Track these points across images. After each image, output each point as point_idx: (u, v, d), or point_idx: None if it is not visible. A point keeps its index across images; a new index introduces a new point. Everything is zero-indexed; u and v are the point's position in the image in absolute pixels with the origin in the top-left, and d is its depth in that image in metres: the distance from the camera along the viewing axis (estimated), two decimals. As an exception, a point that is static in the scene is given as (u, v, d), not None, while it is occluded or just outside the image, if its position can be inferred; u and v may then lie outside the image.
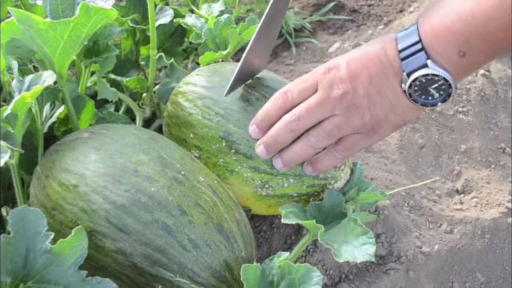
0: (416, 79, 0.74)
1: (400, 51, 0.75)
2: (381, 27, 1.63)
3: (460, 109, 1.37)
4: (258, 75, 0.96)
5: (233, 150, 0.88)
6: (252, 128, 0.86)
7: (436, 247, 1.04)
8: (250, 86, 0.93)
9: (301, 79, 0.84)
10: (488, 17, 0.68)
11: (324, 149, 0.86)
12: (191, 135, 0.92)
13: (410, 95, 0.76)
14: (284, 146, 0.84)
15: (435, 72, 0.73)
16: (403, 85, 0.76)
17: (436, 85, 0.75)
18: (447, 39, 0.72)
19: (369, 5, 1.75)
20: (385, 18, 1.69)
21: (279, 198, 0.90)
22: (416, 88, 0.75)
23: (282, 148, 0.85)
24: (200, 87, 0.94)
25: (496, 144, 1.35)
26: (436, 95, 0.76)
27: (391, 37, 0.77)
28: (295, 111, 0.82)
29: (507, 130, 1.38)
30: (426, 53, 0.73)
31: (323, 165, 0.86)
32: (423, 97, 0.76)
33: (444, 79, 0.74)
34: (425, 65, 0.73)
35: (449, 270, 1.04)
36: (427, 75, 0.74)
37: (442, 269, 1.04)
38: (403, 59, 0.75)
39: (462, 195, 1.20)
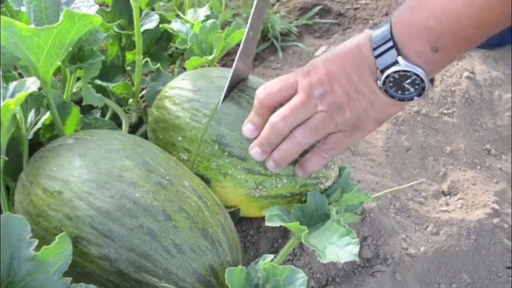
0: (389, 75, 0.77)
1: (374, 49, 0.77)
2: (367, 30, 1.64)
3: (445, 111, 1.38)
4: (245, 80, 0.97)
5: (226, 153, 0.89)
6: (247, 127, 0.87)
7: (422, 248, 1.05)
8: (239, 89, 0.94)
9: (282, 77, 0.87)
10: (459, 14, 0.70)
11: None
12: (180, 138, 0.92)
13: (386, 91, 0.79)
14: (276, 146, 0.86)
15: (406, 68, 0.75)
16: (378, 81, 0.78)
17: (409, 80, 0.77)
18: (420, 35, 0.74)
19: (355, 9, 1.76)
20: (370, 21, 1.70)
21: (272, 199, 0.90)
22: (391, 84, 0.78)
23: (274, 148, 0.86)
24: (187, 91, 0.95)
25: (481, 145, 1.36)
26: (412, 89, 0.78)
27: (366, 35, 0.79)
28: (280, 111, 0.84)
29: (492, 131, 1.39)
30: (398, 49, 0.75)
31: (311, 166, 0.88)
32: (399, 92, 0.78)
33: (416, 74, 0.76)
34: (397, 62, 0.76)
35: (436, 272, 1.05)
36: (399, 71, 0.76)
37: (429, 271, 1.04)
38: (377, 57, 0.77)
39: (448, 197, 1.21)
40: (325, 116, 0.82)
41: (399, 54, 0.76)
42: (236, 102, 0.92)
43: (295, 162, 0.89)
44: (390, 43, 0.76)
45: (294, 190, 0.91)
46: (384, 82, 0.78)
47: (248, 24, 0.91)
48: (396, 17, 0.77)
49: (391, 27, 0.76)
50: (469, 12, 0.70)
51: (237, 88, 0.94)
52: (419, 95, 0.79)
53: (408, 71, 0.76)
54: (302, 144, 0.84)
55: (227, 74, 0.97)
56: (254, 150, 0.87)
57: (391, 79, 0.77)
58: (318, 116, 0.82)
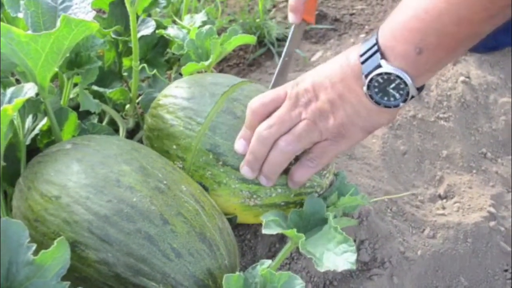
0: (372, 79, 0.76)
1: (361, 55, 0.78)
2: (362, 35, 1.65)
3: (441, 115, 1.38)
4: (242, 87, 0.97)
5: (220, 162, 0.89)
6: (239, 143, 0.88)
7: (419, 252, 1.05)
8: (234, 98, 0.94)
9: (273, 90, 0.88)
10: (440, 11, 0.70)
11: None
12: (174, 147, 0.92)
13: (371, 97, 0.78)
14: (264, 160, 0.86)
15: (388, 70, 0.75)
16: (364, 88, 0.78)
17: (393, 84, 0.77)
18: (404, 37, 0.74)
19: (351, 14, 1.77)
20: (366, 26, 1.70)
21: (266, 208, 0.91)
22: (376, 90, 0.77)
23: (262, 163, 0.86)
24: (180, 99, 0.95)
25: (477, 149, 1.36)
26: (397, 95, 0.78)
27: (354, 47, 0.81)
28: (265, 121, 0.85)
29: (488, 135, 1.40)
30: (381, 54, 0.76)
31: (298, 177, 0.88)
32: (385, 98, 0.78)
33: (399, 77, 0.75)
34: (380, 65, 0.76)
35: (433, 275, 1.05)
36: (381, 74, 0.76)
37: (426, 274, 1.05)
38: (362, 63, 0.78)
39: (444, 200, 1.21)
40: (309, 124, 0.83)
41: (382, 57, 0.76)
42: (231, 112, 0.92)
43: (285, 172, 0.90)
44: (375, 48, 0.76)
45: (288, 199, 0.91)
46: (368, 87, 0.77)
47: (284, 51, 1.05)
48: (383, 23, 0.78)
49: (377, 33, 0.78)
50: (449, 8, 0.70)
51: (232, 96, 0.94)
52: (404, 100, 0.78)
53: (390, 74, 0.75)
54: (285, 152, 0.84)
55: (221, 80, 0.98)
56: (244, 169, 0.87)
57: (375, 84, 0.77)
58: (302, 124, 0.83)
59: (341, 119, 0.81)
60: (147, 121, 0.99)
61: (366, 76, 0.77)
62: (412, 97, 0.78)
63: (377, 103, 0.79)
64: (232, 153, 0.89)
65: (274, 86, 0.97)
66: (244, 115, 0.90)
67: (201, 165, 0.90)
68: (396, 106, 0.79)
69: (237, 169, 0.89)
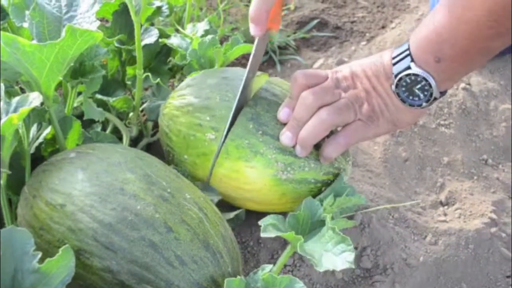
0: (401, 78, 0.87)
1: (393, 58, 0.89)
2: (363, 43, 1.66)
3: (442, 122, 1.39)
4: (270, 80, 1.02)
5: (260, 132, 0.92)
6: (284, 111, 0.94)
7: (421, 258, 1.06)
8: (269, 81, 1.00)
9: (314, 70, 0.97)
10: (454, 27, 0.79)
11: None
12: (208, 118, 0.95)
13: (398, 94, 0.89)
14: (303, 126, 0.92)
15: (415, 72, 0.85)
16: (392, 86, 0.89)
17: (419, 85, 0.86)
18: (425, 47, 0.84)
19: (352, 22, 1.78)
20: (367, 34, 1.71)
21: (297, 184, 0.93)
22: (403, 89, 0.88)
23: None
24: (211, 78, 0.99)
25: (478, 156, 1.37)
26: (421, 95, 0.88)
27: (389, 49, 0.92)
28: (310, 89, 0.93)
29: (489, 142, 1.40)
30: (411, 58, 0.86)
31: (329, 151, 0.94)
32: (410, 97, 0.89)
33: (425, 79, 0.85)
34: (409, 67, 0.86)
35: (435, 281, 1.06)
36: (409, 74, 0.86)
37: (428, 281, 1.05)
38: (394, 64, 0.88)
39: (445, 207, 1.22)
40: (348, 102, 0.92)
41: (412, 61, 0.86)
42: (269, 90, 0.98)
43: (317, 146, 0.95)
44: (407, 52, 0.86)
45: (318, 176, 0.94)
46: (396, 86, 0.88)
47: (248, 66, 0.97)
48: (414, 31, 0.87)
49: (409, 40, 0.87)
50: (461, 24, 0.78)
51: (269, 81, 1.00)
52: (427, 101, 0.88)
53: (418, 75, 0.85)
54: (325, 122, 0.91)
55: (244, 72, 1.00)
56: (285, 135, 0.92)
57: (403, 83, 0.87)
58: (342, 100, 0.92)
59: (373, 106, 0.92)
60: (172, 103, 1.01)
61: (396, 76, 0.88)
62: (435, 99, 0.88)
63: (403, 101, 0.89)
64: (273, 124, 0.93)
65: (237, 104, 0.95)
66: (282, 94, 0.98)
67: (240, 134, 0.92)
68: (419, 105, 0.89)
69: (277, 139, 0.92)
